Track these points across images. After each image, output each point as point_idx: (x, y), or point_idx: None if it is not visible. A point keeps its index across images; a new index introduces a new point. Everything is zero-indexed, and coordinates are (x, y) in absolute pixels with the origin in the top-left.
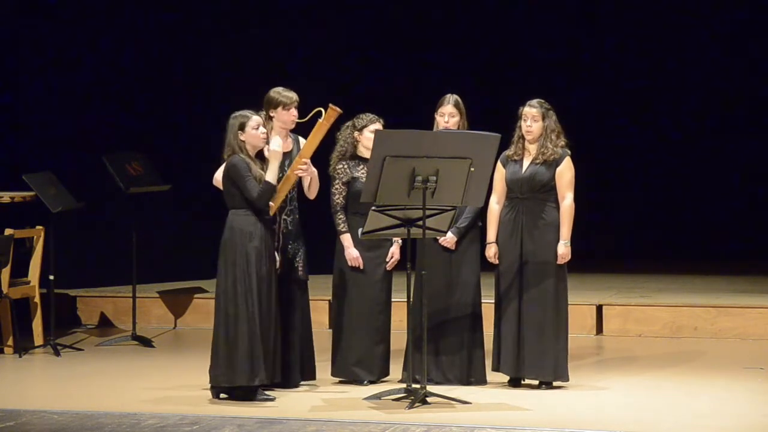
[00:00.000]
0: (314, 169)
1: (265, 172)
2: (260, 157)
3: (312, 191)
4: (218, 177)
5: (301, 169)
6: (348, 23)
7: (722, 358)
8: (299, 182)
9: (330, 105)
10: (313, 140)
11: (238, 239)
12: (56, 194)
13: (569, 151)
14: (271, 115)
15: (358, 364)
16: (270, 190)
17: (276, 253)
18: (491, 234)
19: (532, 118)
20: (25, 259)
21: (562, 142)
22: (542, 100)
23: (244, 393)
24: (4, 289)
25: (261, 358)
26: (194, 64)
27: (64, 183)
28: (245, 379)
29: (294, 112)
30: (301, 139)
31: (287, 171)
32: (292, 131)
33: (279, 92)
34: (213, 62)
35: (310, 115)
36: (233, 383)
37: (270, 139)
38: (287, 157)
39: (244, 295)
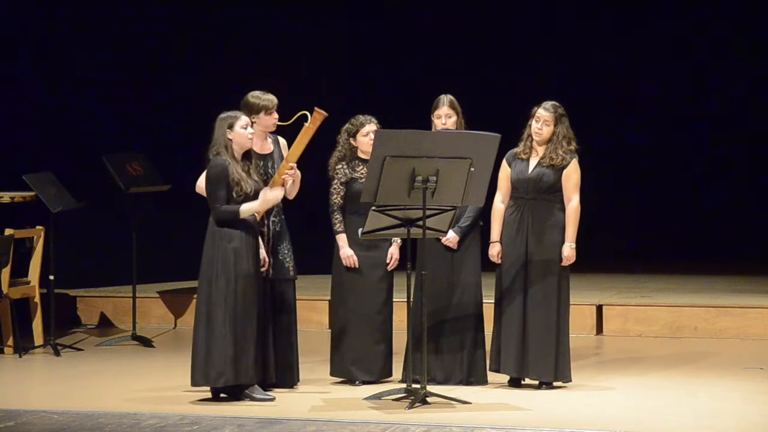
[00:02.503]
0: (299, 172)
1: (247, 174)
2: (246, 157)
3: (292, 193)
4: (200, 184)
5: (288, 174)
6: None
7: (722, 358)
8: None
9: (315, 108)
10: (300, 144)
11: (217, 240)
12: (56, 194)
13: (576, 154)
14: (253, 120)
15: (357, 363)
16: (233, 219)
17: (267, 256)
18: (495, 233)
19: (544, 121)
20: (25, 259)
21: (572, 147)
22: (557, 104)
23: (230, 393)
24: (4, 289)
25: (240, 358)
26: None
27: (63, 183)
28: (222, 379)
29: (275, 115)
30: (281, 139)
31: (273, 174)
32: (272, 132)
33: (258, 97)
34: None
35: (294, 118)
36: (215, 384)
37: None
38: (269, 158)
39: (223, 295)
